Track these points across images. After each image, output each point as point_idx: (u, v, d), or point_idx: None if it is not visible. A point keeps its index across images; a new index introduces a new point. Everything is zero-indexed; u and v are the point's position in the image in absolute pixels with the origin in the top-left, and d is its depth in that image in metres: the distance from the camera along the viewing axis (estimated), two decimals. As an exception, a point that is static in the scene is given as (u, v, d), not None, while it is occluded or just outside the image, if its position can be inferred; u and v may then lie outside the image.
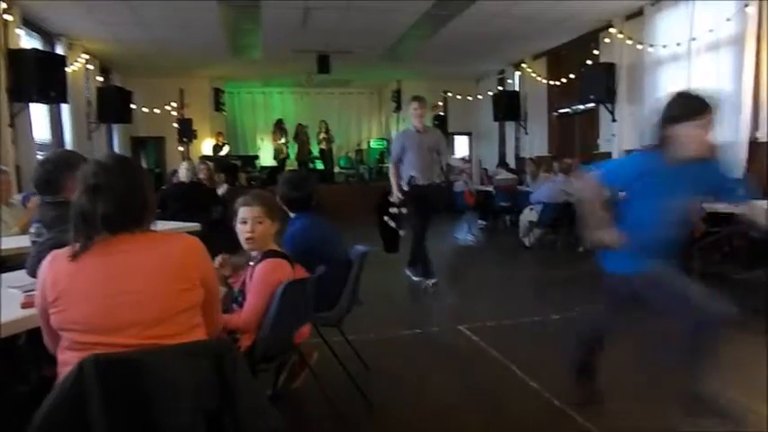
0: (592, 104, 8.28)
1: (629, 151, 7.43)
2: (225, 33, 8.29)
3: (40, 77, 6.41)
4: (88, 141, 8.65)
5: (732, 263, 5.10)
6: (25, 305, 1.61)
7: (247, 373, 1.39)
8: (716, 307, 2.05)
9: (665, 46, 6.82)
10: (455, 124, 12.50)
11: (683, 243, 2.20)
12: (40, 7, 6.73)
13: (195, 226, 3.79)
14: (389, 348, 3.31)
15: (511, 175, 8.80)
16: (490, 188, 8.97)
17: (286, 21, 7.61)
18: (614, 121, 7.80)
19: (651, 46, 7.03)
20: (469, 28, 8.01)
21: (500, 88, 11.31)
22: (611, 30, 7.71)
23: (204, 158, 9.53)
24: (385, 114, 14.44)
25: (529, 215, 6.73)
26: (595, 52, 8.13)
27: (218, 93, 12.42)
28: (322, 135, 12.82)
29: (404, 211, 4.71)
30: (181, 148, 11.53)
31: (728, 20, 5.84)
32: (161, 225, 3.00)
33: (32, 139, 6.76)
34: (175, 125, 11.35)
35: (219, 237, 3.64)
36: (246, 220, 2.11)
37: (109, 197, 1.30)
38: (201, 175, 6.34)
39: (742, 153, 5.72)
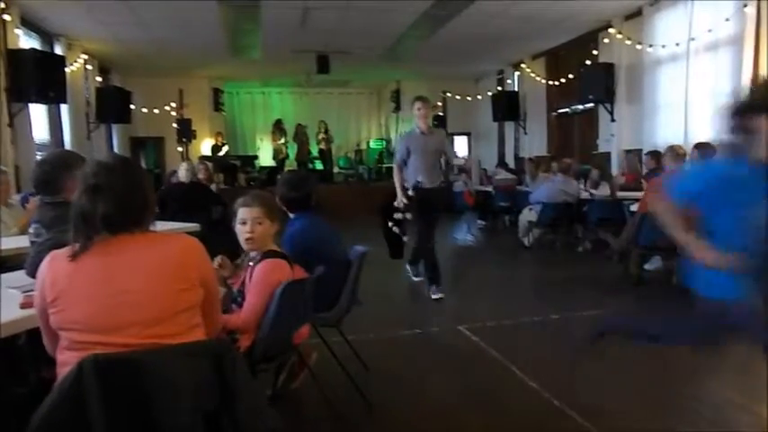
0: (591, 104, 8.30)
1: (628, 151, 7.44)
2: (224, 33, 8.29)
3: (39, 77, 6.41)
4: (87, 141, 8.65)
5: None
6: (24, 305, 1.61)
7: (247, 373, 1.39)
8: None
9: (663, 46, 6.83)
10: (454, 124, 12.50)
11: None
12: (39, 7, 6.73)
13: (195, 226, 3.79)
14: (389, 348, 3.31)
15: (510, 176, 8.80)
16: (489, 188, 8.97)
17: (285, 21, 7.61)
18: (613, 121, 7.81)
19: (650, 46, 7.04)
20: (468, 28, 8.02)
21: (499, 88, 11.33)
22: (611, 30, 7.72)
23: (203, 159, 9.52)
24: (384, 115, 14.44)
25: (528, 215, 6.72)
26: (594, 52, 8.14)
27: (217, 93, 12.42)
28: (321, 135, 12.83)
29: (408, 216, 4.55)
30: (180, 149, 11.53)
31: (727, 20, 5.85)
32: (160, 225, 2.99)
33: (31, 139, 6.76)
34: (175, 125, 11.35)
35: (219, 237, 3.64)
36: (246, 221, 2.11)
37: (109, 197, 1.31)
38: (201, 176, 6.34)
39: (741, 153, 5.73)
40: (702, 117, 6.30)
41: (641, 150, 7.07)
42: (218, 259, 2.23)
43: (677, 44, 6.57)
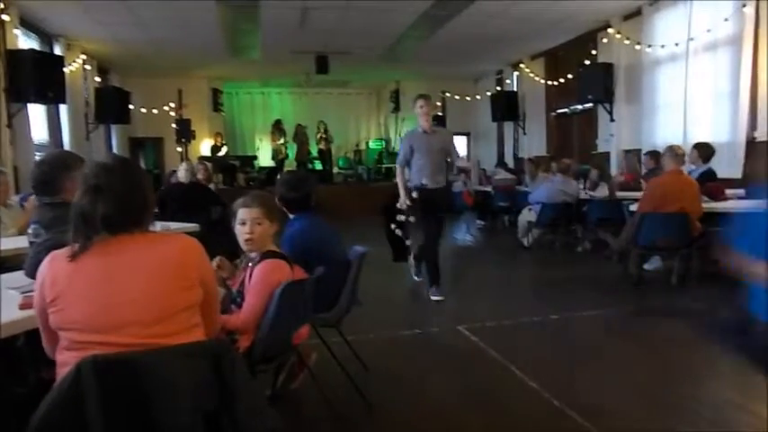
0: (590, 104, 8.30)
1: (627, 151, 7.44)
2: (223, 34, 8.29)
3: (38, 78, 6.41)
4: (86, 142, 8.64)
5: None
6: (23, 306, 1.60)
7: (246, 373, 1.39)
8: None
9: (663, 46, 6.83)
10: (453, 124, 12.46)
11: None
12: (38, 8, 6.73)
13: (194, 227, 3.78)
14: (388, 349, 3.30)
15: (510, 176, 8.81)
16: (489, 188, 8.97)
17: (285, 21, 7.61)
18: (612, 121, 7.82)
19: (649, 46, 7.04)
20: (468, 28, 8.02)
21: (498, 88, 11.33)
22: (609, 30, 7.72)
23: (203, 159, 9.52)
24: (383, 115, 14.45)
25: (527, 215, 6.72)
26: (593, 52, 8.15)
27: (216, 93, 12.41)
28: (320, 135, 12.84)
29: (411, 219, 4.40)
30: (179, 149, 11.52)
31: (726, 20, 5.86)
32: (160, 226, 2.99)
33: (30, 139, 6.76)
34: (174, 126, 11.35)
35: (218, 237, 3.63)
36: (245, 222, 2.11)
37: (109, 198, 1.32)
38: (200, 176, 6.33)
39: (740, 153, 5.74)
40: (701, 117, 6.31)
41: (640, 150, 7.07)
42: (216, 260, 2.23)
43: (676, 44, 6.58)
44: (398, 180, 4.47)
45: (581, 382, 2.72)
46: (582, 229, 6.64)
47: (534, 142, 10.32)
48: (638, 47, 7.22)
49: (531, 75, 10.05)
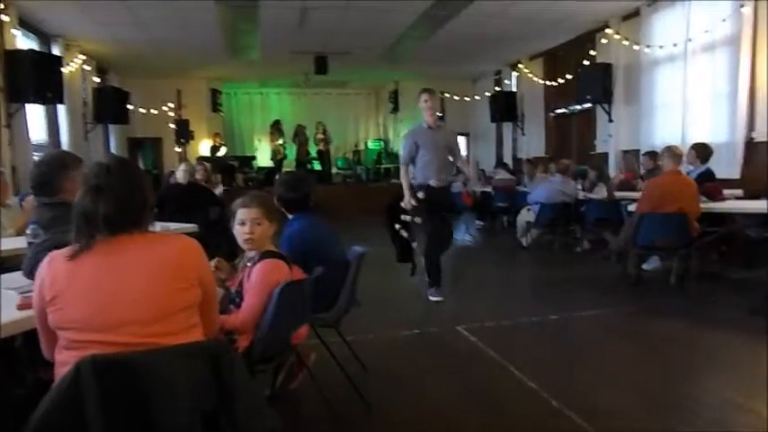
0: (588, 105, 8.30)
1: (626, 152, 7.45)
2: (222, 34, 8.28)
3: (37, 78, 6.41)
4: (85, 142, 8.64)
5: (729, 263, 5.12)
6: (22, 307, 1.60)
7: (245, 373, 1.39)
8: None
9: (661, 46, 6.84)
10: (452, 125, 12.40)
11: None
12: (37, 8, 6.72)
13: (193, 227, 3.78)
14: (387, 349, 3.30)
15: (510, 176, 8.82)
16: (488, 189, 8.98)
17: (284, 21, 7.61)
18: (611, 121, 7.83)
19: (648, 46, 7.05)
20: (467, 28, 8.03)
21: (497, 89, 11.34)
22: (608, 30, 7.73)
23: (201, 159, 9.51)
24: (382, 115, 14.45)
25: (526, 215, 6.73)
26: (592, 53, 8.16)
27: (215, 93, 12.41)
28: (319, 136, 12.84)
29: (417, 220, 4.20)
30: (178, 149, 11.51)
31: (724, 21, 5.86)
32: (159, 226, 2.99)
33: (29, 139, 6.75)
34: (172, 126, 11.34)
35: (217, 237, 3.63)
36: (245, 222, 2.11)
37: (110, 198, 1.33)
38: (199, 176, 6.33)
39: (738, 153, 5.75)
40: (700, 118, 6.31)
41: (639, 151, 7.08)
42: (214, 261, 2.22)
43: (674, 45, 6.59)
44: (403, 179, 4.28)
45: (580, 383, 2.72)
46: (581, 230, 6.65)
47: (533, 143, 10.32)
48: (636, 47, 7.23)
49: (530, 75, 10.06)
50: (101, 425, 1.17)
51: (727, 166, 5.72)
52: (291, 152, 13.01)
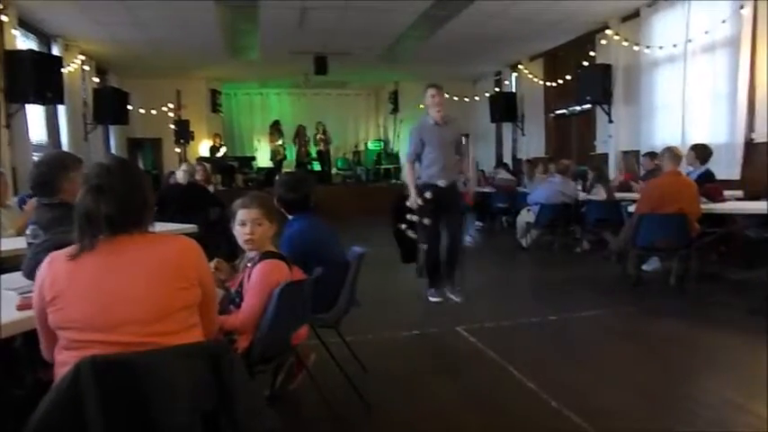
0: (588, 106, 8.31)
1: (625, 152, 7.46)
2: (222, 34, 8.28)
3: (37, 78, 6.40)
4: (84, 143, 8.63)
5: (729, 263, 5.12)
6: (21, 307, 1.60)
7: (244, 374, 1.39)
8: None
9: (661, 47, 6.85)
10: (452, 125, 12.51)
11: None
12: (37, 8, 6.72)
13: (192, 227, 3.78)
14: (387, 350, 3.31)
15: (511, 176, 8.83)
16: (487, 189, 8.98)
17: (284, 21, 7.61)
18: (611, 122, 7.83)
19: (647, 47, 7.06)
20: (467, 28, 8.03)
21: (497, 89, 11.34)
22: (608, 31, 7.74)
23: (201, 160, 9.51)
24: (382, 116, 14.46)
25: (526, 216, 6.73)
26: (592, 53, 8.16)
27: (215, 94, 12.41)
28: (319, 136, 12.85)
29: (426, 221, 4.08)
30: (178, 150, 11.51)
31: (724, 22, 5.87)
32: (159, 227, 2.99)
33: (28, 140, 6.74)
34: (172, 126, 11.34)
35: (217, 238, 3.63)
36: (246, 222, 2.11)
37: (111, 198, 1.33)
38: (198, 177, 6.34)
39: (738, 154, 5.75)
40: (699, 118, 6.32)
41: (639, 152, 7.09)
42: (214, 262, 2.23)
43: (674, 45, 6.59)
44: (408, 177, 4.17)
45: (579, 383, 2.72)
46: (580, 230, 6.65)
47: (533, 143, 10.32)
48: (636, 48, 7.24)
49: (530, 76, 10.06)
50: (100, 425, 1.17)
51: (726, 167, 5.72)
52: (291, 153, 13.01)
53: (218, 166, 11.21)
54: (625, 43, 7.45)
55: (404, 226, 4.27)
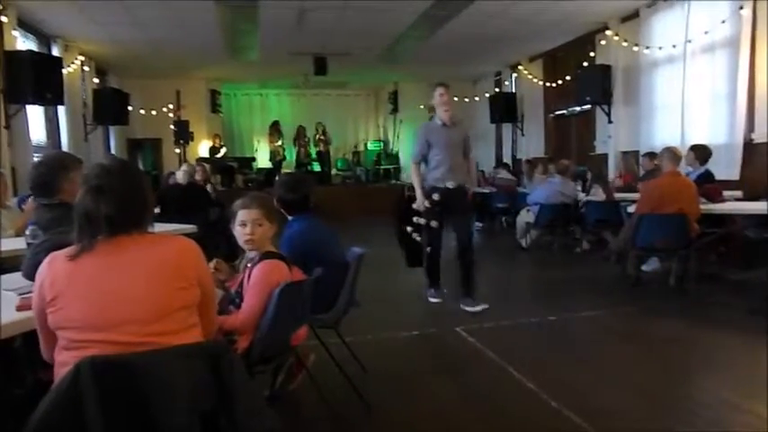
0: (588, 106, 8.31)
1: (625, 153, 7.46)
2: (222, 34, 8.29)
3: (36, 79, 6.40)
4: (84, 143, 8.63)
5: (728, 264, 5.12)
6: (21, 308, 1.60)
7: (244, 374, 1.39)
8: None
9: (660, 48, 6.85)
10: (452, 126, 12.50)
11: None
12: (36, 9, 6.72)
13: (192, 228, 3.78)
14: (387, 350, 3.31)
15: (511, 176, 8.83)
16: (487, 190, 8.98)
17: (283, 22, 7.61)
18: (610, 122, 7.83)
19: (647, 48, 7.06)
20: (467, 29, 8.03)
21: (497, 90, 11.34)
22: (607, 32, 7.74)
23: (201, 160, 9.52)
24: (382, 116, 14.46)
25: (525, 216, 6.73)
26: (591, 54, 8.16)
27: (214, 94, 12.41)
28: (319, 137, 12.85)
29: (433, 224, 4.01)
30: (177, 150, 11.51)
31: (723, 22, 5.87)
32: (158, 227, 2.99)
33: (28, 140, 6.74)
34: (172, 127, 11.34)
35: (216, 238, 3.64)
36: (246, 223, 2.11)
37: (110, 198, 1.34)
38: (198, 177, 6.34)
39: (737, 154, 5.76)
40: (699, 119, 6.32)
41: (638, 152, 7.09)
42: (213, 262, 2.23)
43: (674, 46, 6.60)
44: (414, 178, 4.08)
45: (579, 383, 2.73)
46: (580, 231, 6.65)
47: (532, 144, 10.33)
48: (635, 49, 7.24)
49: (530, 76, 10.07)
50: (100, 425, 1.17)
51: (726, 168, 5.72)
52: (291, 153, 13.01)
53: (217, 166, 11.21)
54: (625, 44, 7.45)
55: (410, 229, 4.18)
